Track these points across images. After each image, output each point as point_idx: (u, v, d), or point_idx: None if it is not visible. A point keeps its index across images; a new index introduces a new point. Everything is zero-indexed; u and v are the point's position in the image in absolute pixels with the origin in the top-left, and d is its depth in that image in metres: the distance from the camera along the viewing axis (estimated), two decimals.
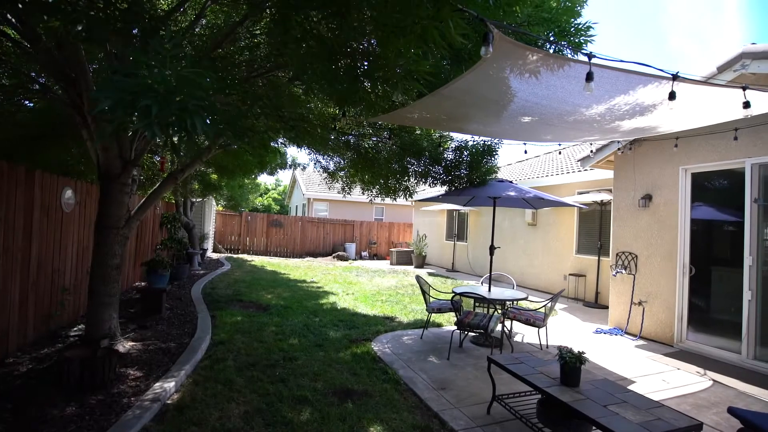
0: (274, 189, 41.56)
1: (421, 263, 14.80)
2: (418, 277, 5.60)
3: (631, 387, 3.92)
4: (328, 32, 2.09)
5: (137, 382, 3.48)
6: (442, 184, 6.02)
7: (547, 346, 5.11)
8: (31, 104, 5.23)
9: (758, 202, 4.68)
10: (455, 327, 4.82)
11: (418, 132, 5.81)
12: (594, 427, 2.45)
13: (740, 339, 4.70)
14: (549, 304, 4.90)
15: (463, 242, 13.78)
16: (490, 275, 5.73)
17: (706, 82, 2.78)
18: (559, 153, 11.43)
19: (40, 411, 2.90)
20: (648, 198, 5.92)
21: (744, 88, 2.56)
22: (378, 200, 7.30)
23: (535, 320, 4.96)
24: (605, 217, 8.18)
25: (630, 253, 6.14)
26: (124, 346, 4.25)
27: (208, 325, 5.33)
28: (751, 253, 4.66)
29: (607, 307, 6.73)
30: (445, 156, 5.81)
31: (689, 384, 4.13)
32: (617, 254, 6.32)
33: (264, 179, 38.53)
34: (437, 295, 5.95)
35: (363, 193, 7.38)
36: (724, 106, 3.11)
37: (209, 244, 15.18)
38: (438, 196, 6.25)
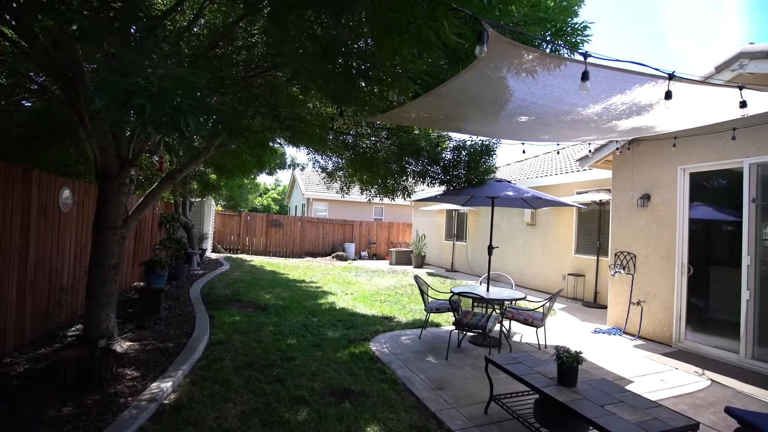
0: (274, 189, 41.54)
1: (421, 263, 14.80)
2: (416, 277, 5.60)
3: (629, 387, 3.92)
4: (322, 32, 2.09)
5: (134, 382, 3.48)
6: (441, 183, 6.01)
7: (546, 346, 5.11)
8: (29, 104, 5.22)
9: (756, 202, 4.68)
10: (453, 327, 4.82)
11: (416, 132, 5.81)
12: (591, 427, 2.45)
13: (738, 339, 4.70)
14: (547, 304, 4.89)
15: (463, 242, 13.78)
16: (489, 275, 5.73)
17: (703, 81, 2.78)
18: (558, 153, 11.45)
19: (37, 411, 2.89)
20: (646, 198, 5.92)
21: (740, 88, 2.56)
22: (377, 200, 7.29)
23: (534, 320, 4.96)
24: (604, 217, 8.17)
25: (628, 253, 6.14)
26: (122, 346, 4.25)
27: (206, 325, 5.33)
28: (749, 253, 4.66)
29: (606, 307, 6.73)
30: (444, 156, 5.81)
31: (687, 384, 4.13)
32: (616, 254, 6.32)
33: (263, 179, 38.50)
34: (436, 295, 5.94)
35: (362, 193, 7.38)
36: (722, 105, 3.11)
37: (208, 244, 15.17)
38: (436, 196, 6.25)
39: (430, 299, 5.49)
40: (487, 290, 5.31)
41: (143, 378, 3.56)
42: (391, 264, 15.24)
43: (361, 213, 20.61)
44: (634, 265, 6.03)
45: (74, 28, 1.76)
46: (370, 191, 6.96)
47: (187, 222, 11.29)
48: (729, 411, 2.65)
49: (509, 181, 6.09)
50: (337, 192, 7.97)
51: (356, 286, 9.49)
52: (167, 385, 3.40)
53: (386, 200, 7.30)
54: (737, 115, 3.09)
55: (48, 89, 4.20)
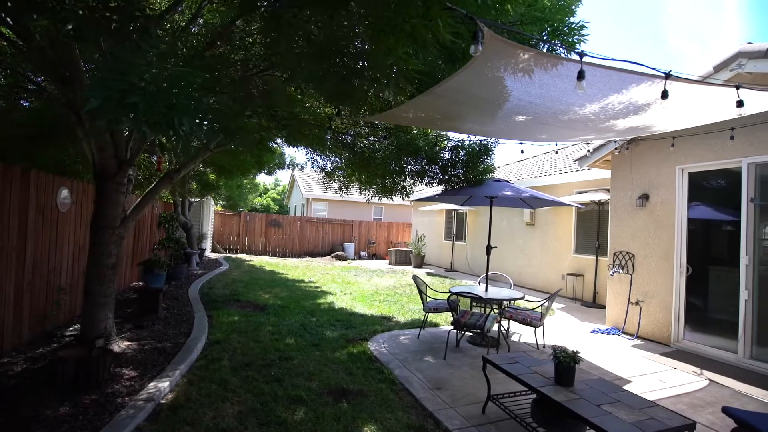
0: (273, 189, 41.55)
1: (420, 263, 14.80)
2: (415, 277, 5.60)
3: (627, 387, 3.92)
4: (318, 31, 2.08)
5: (132, 381, 3.48)
6: (439, 183, 6.01)
7: (544, 346, 5.11)
8: (28, 104, 5.22)
9: (754, 202, 4.67)
10: (452, 327, 4.82)
11: (414, 132, 5.81)
12: (587, 427, 2.45)
13: (737, 338, 4.70)
14: (545, 304, 4.89)
15: (462, 242, 13.78)
16: (487, 275, 5.73)
17: (699, 81, 2.78)
18: (556, 153, 11.44)
19: (34, 411, 2.89)
20: (645, 197, 5.91)
21: (737, 87, 2.56)
22: (375, 200, 7.29)
23: (532, 320, 4.96)
24: (603, 217, 8.17)
25: (627, 253, 6.14)
26: (120, 345, 4.25)
27: (204, 325, 5.33)
28: (747, 253, 4.66)
29: (604, 307, 6.72)
30: (442, 155, 5.81)
31: (685, 383, 4.12)
32: (614, 254, 6.32)
33: (263, 179, 38.46)
34: (435, 295, 5.95)
35: (360, 193, 7.37)
36: (720, 105, 3.11)
37: (207, 244, 15.17)
38: (435, 196, 6.25)
39: (428, 299, 5.49)
40: (486, 290, 5.31)
41: (141, 378, 3.56)
42: (390, 264, 15.23)
43: (360, 213, 20.61)
44: (633, 265, 6.03)
45: (69, 27, 1.76)
46: (369, 191, 6.96)
47: (186, 222, 11.29)
48: (726, 411, 2.65)
49: (507, 181, 6.09)
50: (335, 192, 7.97)
51: (355, 285, 9.49)
52: (164, 384, 3.40)
53: (385, 200, 7.31)
54: (734, 114, 3.09)
55: (45, 89, 4.20)
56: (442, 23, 1.76)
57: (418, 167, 5.89)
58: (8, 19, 2.88)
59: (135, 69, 1.55)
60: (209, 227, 15.80)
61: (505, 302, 5.18)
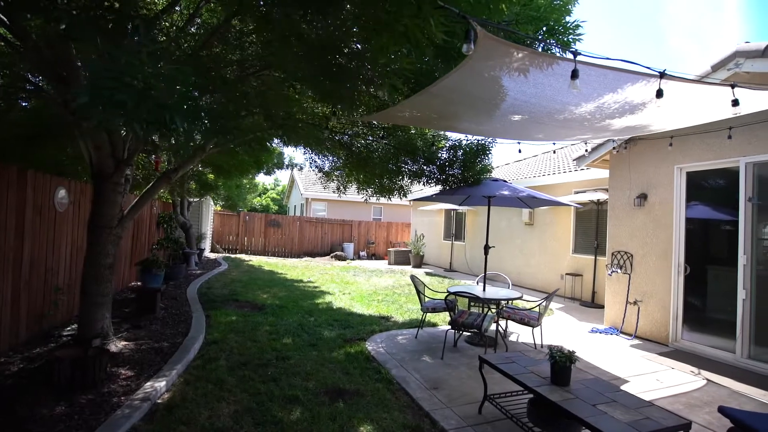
0: (273, 189, 41.55)
1: (419, 263, 14.79)
2: (413, 277, 5.59)
3: (624, 386, 3.92)
4: (310, 31, 2.08)
5: (128, 381, 3.48)
6: (437, 183, 6.01)
7: (542, 346, 5.10)
8: (26, 104, 5.22)
9: (752, 201, 4.67)
10: (450, 327, 4.82)
11: (412, 131, 5.81)
12: (583, 427, 2.45)
13: (734, 338, 4.69)
14: (543, 304, 4.89)
15: (461, 242, 13.77)
16: (485, 274, 5.72)
17: (694, 80, 2.78)
18: (554, 152, 11.45)
19: (30, 410, 2.89)
20: (643, 197, 5.91)
21: (732, 86, 2.55)
22: (373, 200, 7.29)
23: (530, 320, 4.95)
24: (602, 217, 8.17)
25: (625, 253, 6.13)
26: (117, 345, 4.25)
27: (202, 325, 5.33)
28: (745, 252, 4.65)
29: (603, 307, 6.72)
30: (440, 155, 5.80)
31: (683, 383, 4.12)
32: (613, 253, 6.32)
33: (262, 179, 38.47)
34: (433, 295, 5.94)
35: (358, 193, 7.38)
36: (717, 104, 3.11)
37: (207, 244, 15.17)
38: (432, 195, 6.25)
39: (426, 299, 5.48)
40: (483, 290, 5.31)
41: (137, 377, 3.56)
42: (389, 264, 15.23)
43: (359, 213, 20.60)
44: (631, 265, 6.03)
45: (62, 27, 1.76)
46: (367, 191, 6.96)
47: (185, 222, 11.29)
48: (722, 410, 2.64)
49: (505, 181, 6.09)
50: (333, 192, 7.98)
51: (354, 285, 9.49)
52: (161, 384, 3.40)
53: (384, 200, 7.31)
54: (731, 114, 3.09)
55: (43, 89, 4.20)
56: (434, 22, 1.76)
57: (416, 167, 5.89)
58: (4, 19, 2.89)
59: (128, 68, 1.55)
60: (208, 227, 15.81)
61: (502, 302, 5.17)
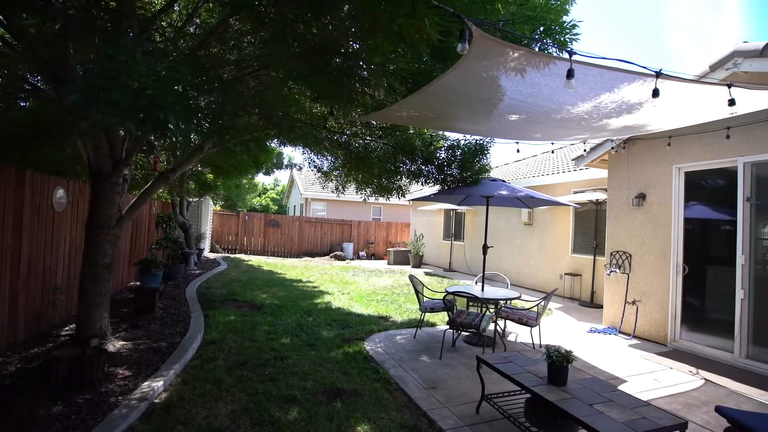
0: (273, 189, 41.56)
1: (419, 263, 14.79)
2: (411, 277, 5.59)
3: (622, 386, 3.92)
4: (305, 31, 2.08)
5: (126, 381, 3.48)
6: (435, 183, 6.02)
7: (540, 346, 5.10)
8: (24, 104, 5.22)
9: (751, 201, 4.67)
10: (448, 326, 4.82)
11: (411, 131, 5.81)
12: (580, 426, 2.45)
13: (733, 338, 4.69)
14: (542, 303, 4.89)
15: (460, 242, 13.77)
16: (483, 274, 5.72)
17: (690, 79, 2.78)
18: (553, 152, 11.44)
19: (28, 410, 2.89)
20: (642, 197, 5.91)
21: (729, 86, 2.55)
22: (372, 199, 7.29)
23: (528, 319, 4.95)
24: (601, 217, 8.17)
25: (624, 252, 6.13)
26: (115, 345, 4.25)
27: (200, 325, 5.33)
28: (743, 252, 4.65)
29: (602, 307, 6.72)
30: (438, 155, 5.81)
31: (681, 383, 4.12)
32: (611, 253, 6.32)
33: (262, 179, 38.47)
34: (432, 295, 5.94)
35: (357, 193, 7.38)
36: (715, 104, 3.10)
37: (206, 244, 15.17)
38: (431, 195, 6.25)
39: (425, 299, 5.48)
40: (482, 290, 5.31)
41: (135, 377, 3.56)
42: (389, 264, 15.23)
43: (359, 213, 20.60)
44: (630, 265, 6.03)
45: (57, 26, 1.76)
46: (366, 191, 6.96)
47: (184, 222, 11.29)
48: (719, 410, 2.64)
49: (503, 181, 6.09)
50: (332, 192, 7.98)
51: (353, 285, 9.49)
52: (158, 384, 3.40)
53: (383, 200, 7.31)
54: (728, 114, 3.09)
55: (40, 88, 4.20)
56: (428, 22, 1.76)
57: (414, 167, 5.89)
58: (1, 18, 2.89)
59: (123, 67, 1.55)
60: (208, 227, 15.81)
61: (501, 302, 5.17)
